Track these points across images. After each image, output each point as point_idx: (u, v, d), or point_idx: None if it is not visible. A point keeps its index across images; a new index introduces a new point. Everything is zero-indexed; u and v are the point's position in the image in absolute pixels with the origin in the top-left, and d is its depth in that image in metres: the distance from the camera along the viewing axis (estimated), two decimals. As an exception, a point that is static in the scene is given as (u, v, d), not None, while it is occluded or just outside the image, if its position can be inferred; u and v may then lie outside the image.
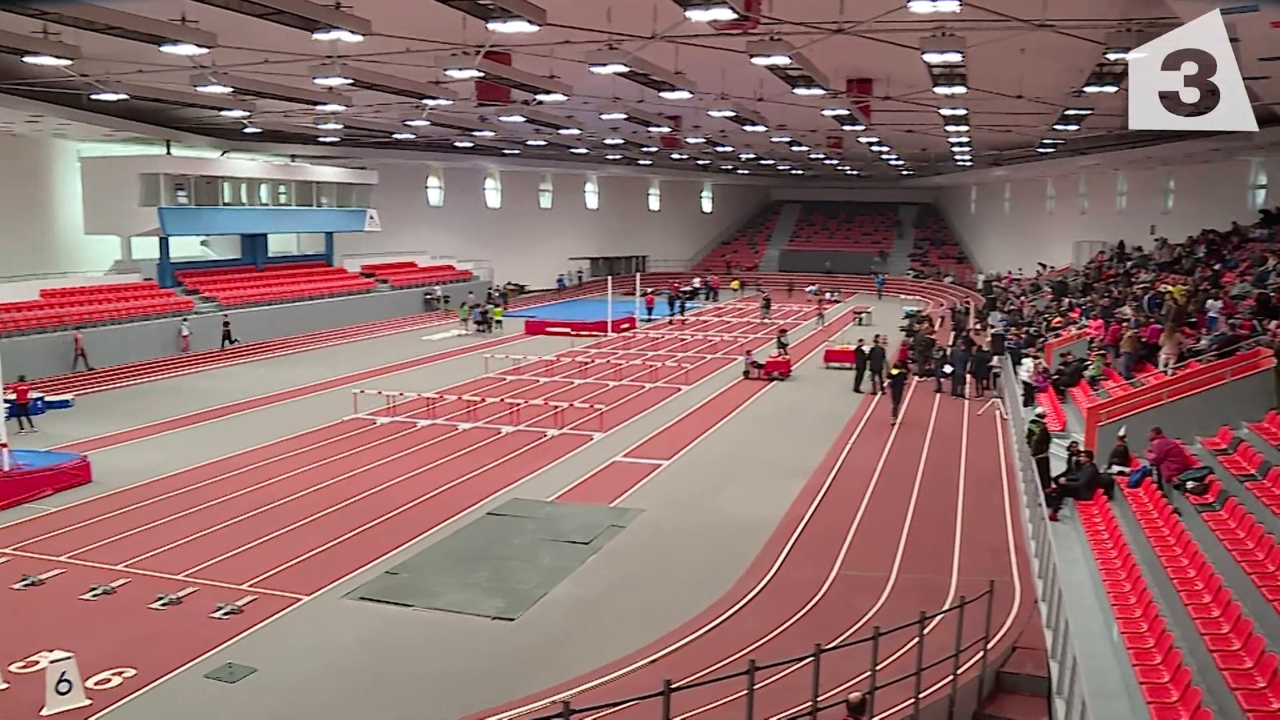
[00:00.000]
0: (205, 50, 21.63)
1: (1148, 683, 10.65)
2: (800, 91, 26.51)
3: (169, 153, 42.95)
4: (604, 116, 35.83)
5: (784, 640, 14.17)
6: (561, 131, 44.47)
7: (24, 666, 13.15)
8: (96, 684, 12.72)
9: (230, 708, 12.46)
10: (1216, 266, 30.72)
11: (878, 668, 10.91)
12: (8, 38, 21.60)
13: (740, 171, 77.89)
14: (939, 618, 13.37)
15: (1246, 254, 30.46)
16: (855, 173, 74.60)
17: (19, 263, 37.31)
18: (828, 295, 60.62)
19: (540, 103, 31.54)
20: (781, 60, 21.20)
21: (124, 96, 29.50)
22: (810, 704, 10.08)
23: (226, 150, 47.03)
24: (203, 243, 50.91)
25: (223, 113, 36.30)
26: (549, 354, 40.79)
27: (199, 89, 27.15)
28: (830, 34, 19.43)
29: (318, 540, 18.52)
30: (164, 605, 15.41)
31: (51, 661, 12.30)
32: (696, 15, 16.99)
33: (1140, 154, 39.95)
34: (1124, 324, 26.49)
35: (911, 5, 16.36)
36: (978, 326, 46.32)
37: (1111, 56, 20.16)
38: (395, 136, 47.63)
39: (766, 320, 55.00)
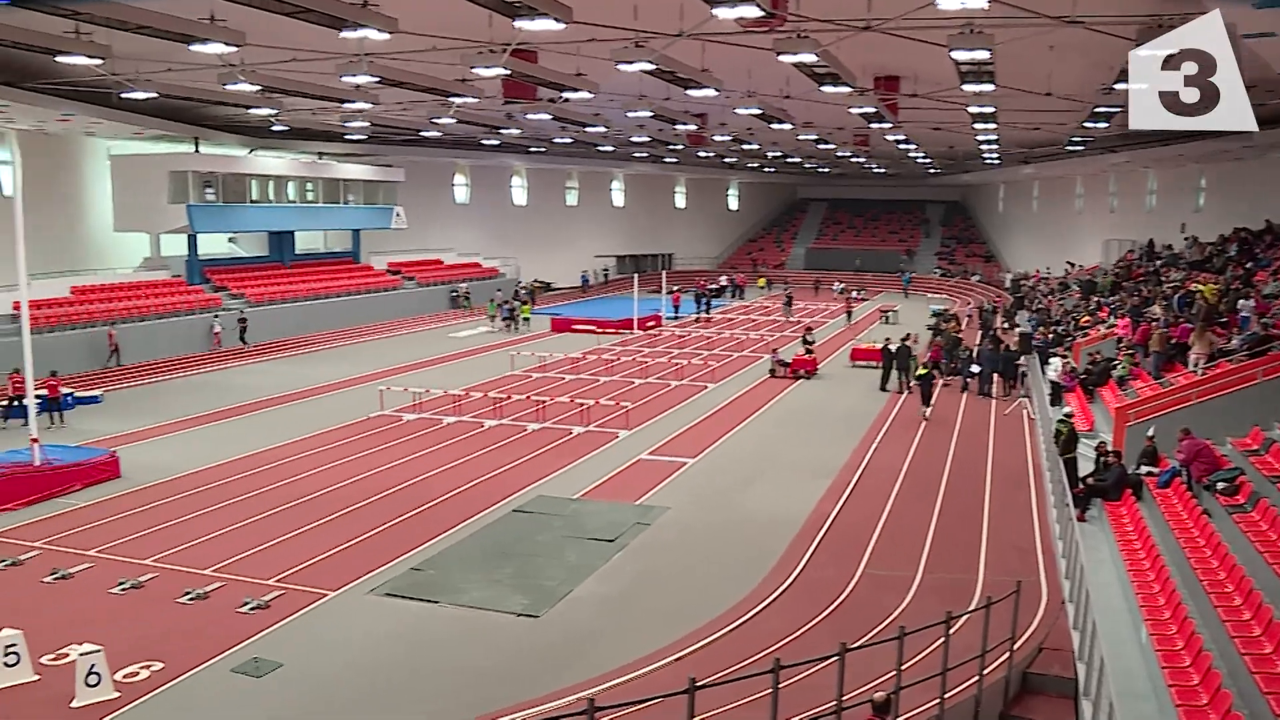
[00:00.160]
0: (234, 49, 21.75)
1: (1176, 685, 10.55)
2: (827, 89, 26.39)
3: (197, 151, 43.29)
4: (630, 114, 35.79)
5: (809, 639, 14.13)
6: (588, 129, 44.48)
7: (55, 659, 13.28)
8: (125, 677, 12.83)
9: (256, 702, 12.53)
10: (1249, 265, 30.40)
11: (903, 667, 10.88)
12: (41, 38, 21.85)
13: (766, 169, 77.67)
14: (965, 618, 13.31)
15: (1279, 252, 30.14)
16: (882, 171, 74.26)
17: (50, 260, 37.70)
18: (854, 294, 60.42)
19: (566, 100, 31.52)
20: (808, 58, 21.09)
21: (153, 95, 29.79)
22: (835, 703, 10.04)
23: (254, 148, 47.39)
24: (230, 240, 51.31)
25: (251, 111, 36.57)
26: (575, 351, 40.86)
27: (227, 87, 27.30)
28: (858, 31, 19.31)
29: (344, 536, 18.61)
30: (191, 600, 15.53)
31: (81, 654, 12.41)
32: (723, 13, 16.90)
33: (1171, 151, 39.56)
34: (1153, 323, 26.27)
35: (940, 2, 16.20)
36: (1005, 325, 46.05)
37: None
38: (422, 134, 47.81)
39: (789, 318, 54.87)
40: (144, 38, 20.92)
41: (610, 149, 58.88)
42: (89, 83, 27.70)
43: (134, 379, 35.47)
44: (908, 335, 35.22)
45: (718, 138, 47.39)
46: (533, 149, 59.58)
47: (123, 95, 29.38)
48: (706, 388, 34.08)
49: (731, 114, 36.43)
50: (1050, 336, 34.69)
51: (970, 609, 13.96)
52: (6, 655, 12.69)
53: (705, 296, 59.17)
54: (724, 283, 68.29)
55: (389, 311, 51.47)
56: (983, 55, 20.08)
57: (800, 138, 45.63)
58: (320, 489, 21.69)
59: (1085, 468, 19.29)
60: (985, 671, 11.98)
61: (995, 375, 32.56)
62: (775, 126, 39.02)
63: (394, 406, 29.70)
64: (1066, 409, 23.91)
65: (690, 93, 27.74)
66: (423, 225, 58.18)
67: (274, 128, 43.50)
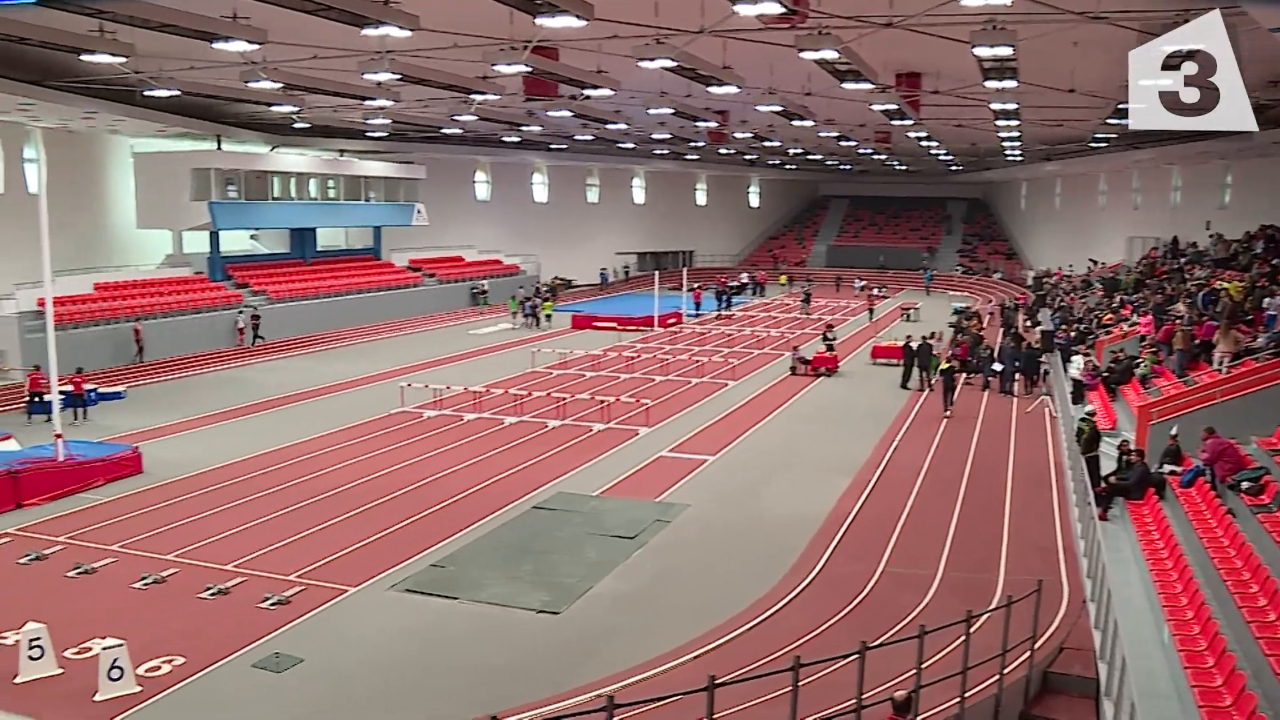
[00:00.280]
0: (256, 46, 21.89)
1: (1199, 686, 10.45)
2: (849, 86, 26.30)
3: (219, 148, 43.60)
4: (651, 111, 35.77)
5: (829, 637, 14.10)
6: (609, 126, 44.48)
7: (78, 653, 13.39)
8: (147, 671, 12.92)
9: (277, 697, 12.60)
10: (1275, 262, 30.08)
11: (923, 666, 10.83)
12: (66, 37, 22.02)
13: (788, 166, 77.46)
14: (985, 616, 13.26)
15: (1307, 250, 29.85)
16: (904, 168, 73.95)
17: (74, 257, 38.01)
18: (876, 291, 60.26)
19: (588, 97, 31.55)
20: (830, 54, 21.00)
21: (176, 93, 30.01)
22: (855, 701, 10.02)
23: (276, 145, 47.63)
24: (252, 236, 51.59)
25: (272, 108, 36.75)
26: (595, 349, 40.88)
27: (249, 85, 27.44)
28: (879, 28, 19.25)
29: (364, 532, 18.68)
30: (213, 595, 15.63)
31: (104, 648, 12.52)
32: (745, 9, 16.88)
33: (1196, 148, 39.20)
34: (1177, 321, 26.05)
35: (962, -2, 16.18)
36: (1027, 323, 45.78)
37: (1167, 49, 19.76)
38: (443, 131, 47.92)
39: (807, 315, 54.70)
40: (167, 36, 21.04)
41: (631, 146, 58.88)
42: (113, 81, 27.93)
43: (157, 375, 35.71)
44: (932, 333, 35.09)
45: (739, 135, 47.28)
46: (554, 146, 59.61)
47: (146, 93, 29.60)
48: (727, 385, 34.04)
49: (753, 111, 36.36)
50: (1072, 334, 34.45)
51: (991, 608, 13.89)
52: (31, 649, 12.82)
53: (726, 293, 59.10)
54: (745, 280, 68.18)
55: (410, 308, 51.65)
56: (1005, 51, 19.92)
57: (822, 134, 45.52)
58: (341, 485, 21.79)
59: (1107, 466, 19.16)
60: (1006, 671, 11.93)
61: (1017, 373, 32.40)
62: (796, 123, 38.89)
63: (415, 403, 29.81)
64: (1089, 407, 23.75)
65: (711, 90, 27.68)
66: (443, 222, 58.29)
67: (295, 125, 43.69)
